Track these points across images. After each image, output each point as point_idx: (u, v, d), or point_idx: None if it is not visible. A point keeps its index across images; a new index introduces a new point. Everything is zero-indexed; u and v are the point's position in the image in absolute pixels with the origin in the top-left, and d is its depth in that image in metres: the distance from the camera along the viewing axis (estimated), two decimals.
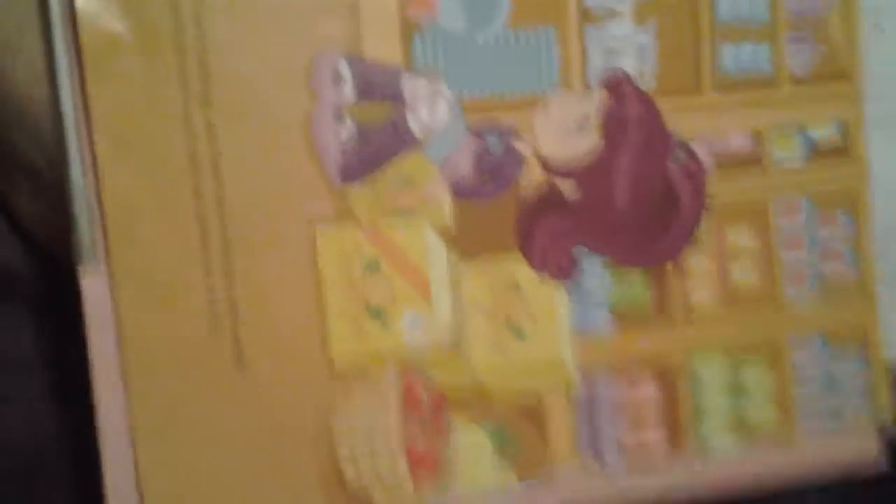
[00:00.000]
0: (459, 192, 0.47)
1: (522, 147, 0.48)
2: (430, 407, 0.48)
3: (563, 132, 0.48)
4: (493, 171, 0.48)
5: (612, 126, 0.48)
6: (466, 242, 0.48)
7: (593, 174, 0.48)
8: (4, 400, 0.50)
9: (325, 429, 0.48)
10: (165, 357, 0.45)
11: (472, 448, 0.50)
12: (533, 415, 0.51)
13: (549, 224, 0.48)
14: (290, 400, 0.46)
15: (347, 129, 0.45)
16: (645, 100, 0.49)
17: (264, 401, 0.46)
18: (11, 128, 0.47)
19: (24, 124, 0.46)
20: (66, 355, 0.48)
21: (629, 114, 0.49)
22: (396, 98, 0.46)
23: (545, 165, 0.48)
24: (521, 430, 0.50)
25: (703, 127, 0.51)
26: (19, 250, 0.51)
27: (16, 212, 0.50)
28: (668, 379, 0.52)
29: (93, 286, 0.44)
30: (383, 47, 0.46)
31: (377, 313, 0.47)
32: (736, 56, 0.51)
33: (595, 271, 0.50)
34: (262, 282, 0.45)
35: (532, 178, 0.49)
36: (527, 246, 0.49)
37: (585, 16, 0.48)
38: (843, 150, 0.53)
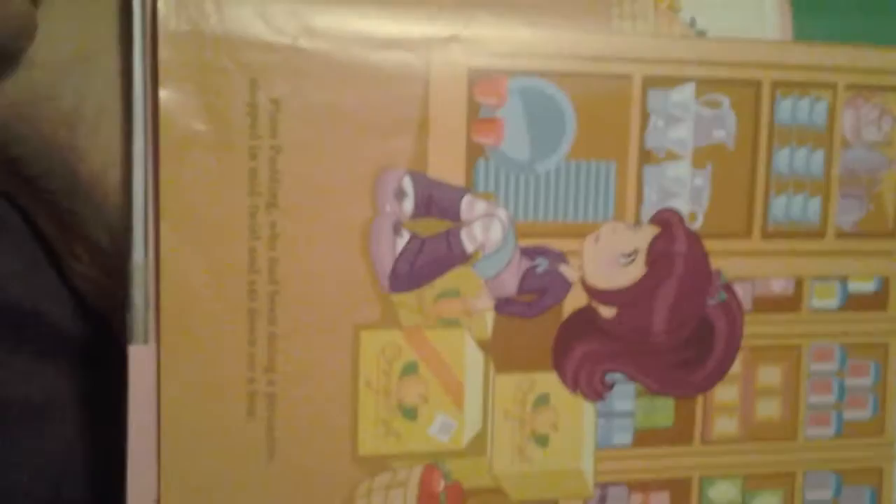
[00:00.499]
0: (503, 309, 0.49)
1: (569, 272, 0.49)
2: (446, 498, 0.49)
3: (611, 263, 0.49)
4: (538, 291, 0.49)
5: (658, 260, 0.49)
6: (504, 355, 0.50)
7: (634, 303, 0.50)
8: (36, 449, 0.51)
9: None
10: (201, 439, 0.46)
11: None
12: None
13: (586, 347, 0.50)
14: (315, 490, 0.48)
15: (403, 241, 0.46)
16: (692, 239, 0.50)
17: (290, 489, 0.47)
18: (80, 203, 0.48)
19: (93, 201, 0.47)
20: (103, 415, 0.49)
21: (676, 251, 0.50)
22: (454, 216, 0.47)
23: (590, 292, 0.49)
24: None
25: (748, 270, 0.52)
26: (69, 309, 0.52)
27: (71, 274, 0.51)
28: (681, 498, 0.53)
29: (140, 364, 0.46)
30: (448, 167, 0.48)
31: (409, 414, 0.48)
32: (787, 207, 0.52)
33: (626, 394, 0.51)
34: (302, 378, 0.47)
35: (575, 301, 0.49)
36: (562, 366, 0.50)
37: (646, 156, 0.49)
38: (879, 304, 0.54)
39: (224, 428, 0.46)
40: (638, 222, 0.49)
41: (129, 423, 0.45)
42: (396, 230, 0.46)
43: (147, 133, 0.44)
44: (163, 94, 0.43)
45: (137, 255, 0.45)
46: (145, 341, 0.45)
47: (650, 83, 0.49)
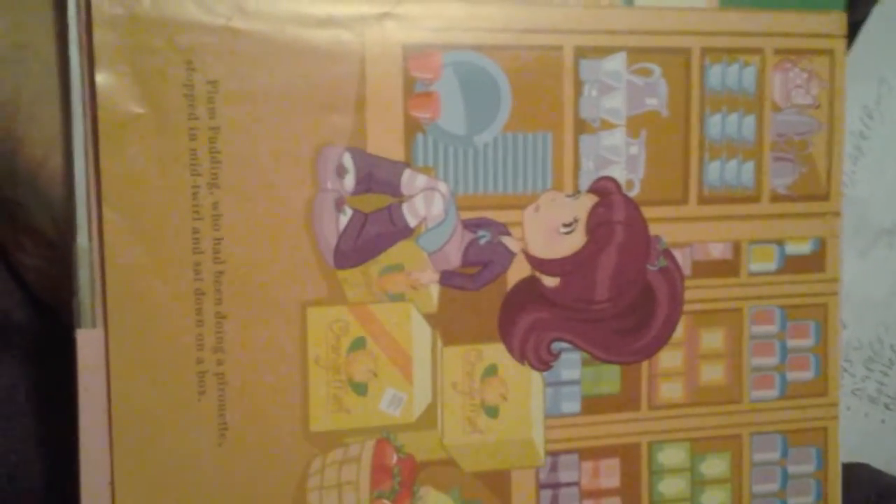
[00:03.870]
0: (447, 281, 0.49)
1: (511, 243, 0.50)
2: (399, 471, 0.49)
3: (551, 233, 0.50)
4: (481, 263, 0.49)
5: (598, 228, 0.50)
6: (450, 328, 0.50)
7: (576, 272, 0.50)
8: None
9: (300, 493, 0.49)
10: (152, 422, 0.46)
11: None
12: (499, 487, 0.53)
13: (531, 318, 0.50)
14: (268, 468, 0.48)
15: (346, 218, 0.47)
16: (631, 207, 0.51)
17: (244, 468, 0.47)
18: (22, 192, 0.48)
19: (36, 188, 0.47)
20: (57, 405, 0.50)
21: (615, 218, 0.50)
22: (395, 191, 0.48)
23: (532, 262, 0.50)
24: (487, 500, 0.52)
25: (686, 235, 0.52)
26: (19, 301, 0.52)
27: (18, 265, 0.51)
28: (631, 464, 0.54)
29: (88, 348, 0.46)
30: (387, 143, 0.48)
31: (359, 389, 0.48)
32: (721, 172, 0.52)
33: (572, 362, 0.51)
34: (251, 357, 0.47)
35: (518, 272, 0.50)
36: (508, 337, 0.51)
37: (581, 126, 0.50)
38: (817, 266, 0.55)
39: (175, 409, 0.46)
40: (576, 192, 0.50)
41: (79, 408, 0.45)
42: (339, 207, 0.47)
43: (85, 118, 0.45)
44: (99, 78, 0.44)
45: (81, 239, 0.45)
46: (93, 325, 0.45)
47: (582, 53, 0.49)
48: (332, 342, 0.47)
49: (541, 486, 0.52)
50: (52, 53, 0.46)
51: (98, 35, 0.43)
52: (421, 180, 0.47)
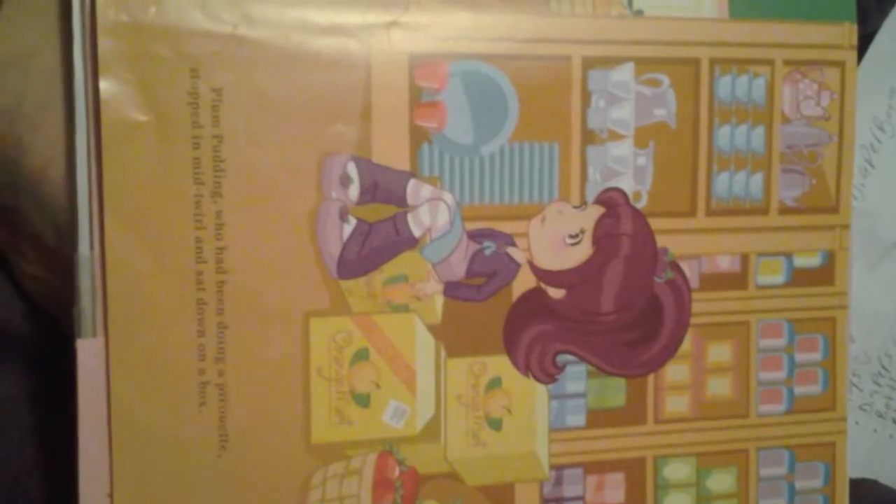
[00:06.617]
0: (452, 293, 0.49)
1: (517, 254, 0.49)
2: (402, 484, 0.49)
3: (557, 244, 0.50)
4: (486, 274, 0.49)
5: (605, 240, 0.50)
6: (455, 339, 0.50)
7: (582, 283, 0.50)
8: None
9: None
10: (152, 432, 0.46)
11: None
12: (503, 501, 0.52)
13: (536, 329, 0.50)
14: (269, 480, 0.47)
15: (350, 228, 0.46)
16: (638, 218, 0.50)
17: (244, 479, 0.47)
18: (24, 199, 0.48)
19: (38, 197, 0.47)
20: (57, 415, 0.49)
21: (622, 230, 0.50)
22: (400, 201, 0.47)
23: (538, 273, 0.49)
24: None
25: (694, 247, 0.52)
26: (20, 310, 0.52)
27: (19, 274, 0.51)
28: (636, 478, 0.53)
29: (89, 358, 0.46)
30: (392, 152, 0.48)
31: (362, 400, 0.48)
32: (730, 184, 0.52)
33: (577, 375, 0.51)
34: (252, 368, 0.47)
35: (524, 283, 0.49)
36: (513, 349, 0.50)
37: (589, 136, 0.49)
38: (825, 279, 0.54)
39: (175, 420, 0.46)
40: (583, 203, 0.49)
41: (79, 418, 0.45)
42: (343, 216, 0.46)
43: (89, 125, 0.44)
44: (103, 85, 0.43)
45: (83, 248, 0.44)
46: (93, 335, 0.45)
47: (590, 64, 0.49)
48: (334, 353, 0.47)
49: (545, 500, 0.52)
50: (56, 61, 0.46)
51: (102, 42, 0.43)
52: (426, 190, 0.47)
